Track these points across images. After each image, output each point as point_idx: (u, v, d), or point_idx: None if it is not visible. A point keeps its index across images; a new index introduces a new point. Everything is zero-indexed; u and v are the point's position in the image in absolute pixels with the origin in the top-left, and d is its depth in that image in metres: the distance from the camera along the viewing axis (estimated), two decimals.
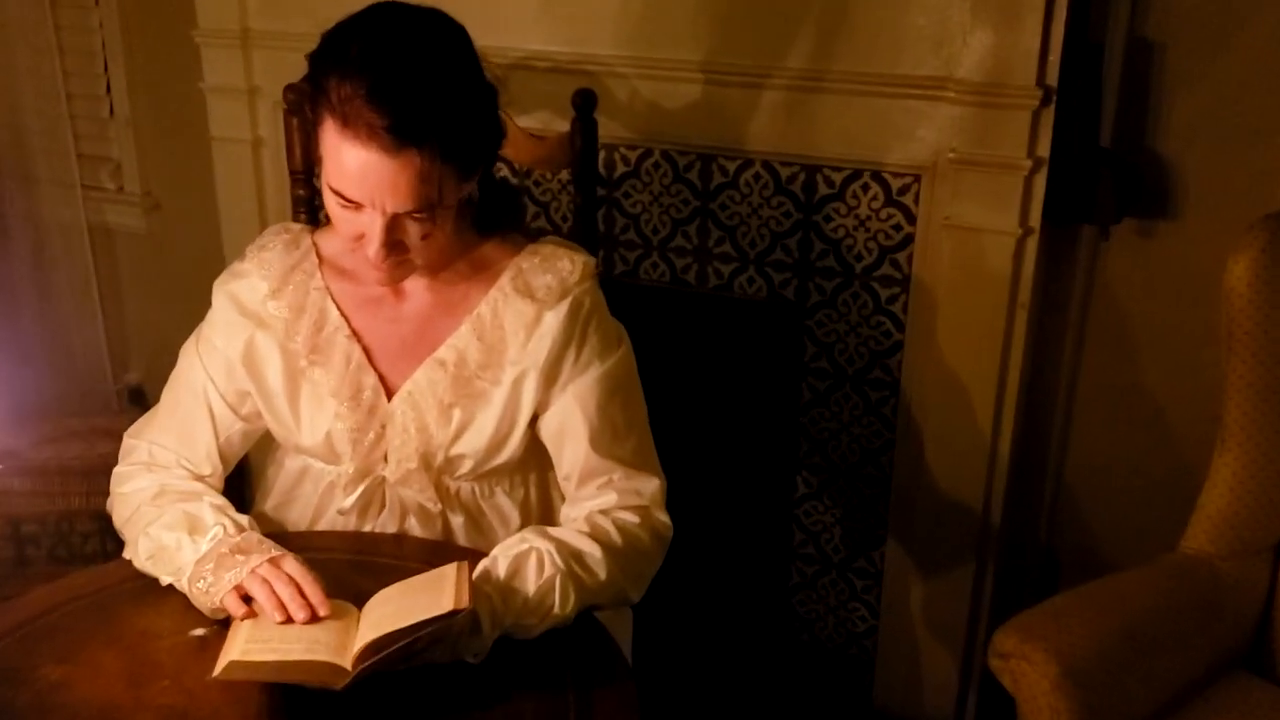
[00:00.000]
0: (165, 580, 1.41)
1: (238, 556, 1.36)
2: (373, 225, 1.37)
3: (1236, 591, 1.79)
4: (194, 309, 1.60)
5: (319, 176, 1.41)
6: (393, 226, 1.38)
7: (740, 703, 2.47)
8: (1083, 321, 2.09)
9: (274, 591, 1.32)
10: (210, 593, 1.34)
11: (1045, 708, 1.60)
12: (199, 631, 1.35)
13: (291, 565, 1.35)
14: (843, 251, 2.10)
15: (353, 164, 1.33)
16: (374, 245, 1.38)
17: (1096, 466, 2.15)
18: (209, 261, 2.70)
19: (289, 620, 1.30)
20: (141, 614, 1.38)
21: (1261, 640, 1.82)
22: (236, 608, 1.32)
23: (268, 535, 1.48)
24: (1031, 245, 1.95)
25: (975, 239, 1.97)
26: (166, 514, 1.44)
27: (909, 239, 2.05)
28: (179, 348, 1.60)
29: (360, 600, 1.35)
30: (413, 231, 1.39)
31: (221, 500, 1.49)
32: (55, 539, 2.51)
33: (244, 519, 1.45)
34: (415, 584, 1.32)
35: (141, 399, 3.05)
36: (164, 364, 1.61)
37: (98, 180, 2.91)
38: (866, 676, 2.36)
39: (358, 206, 1.37)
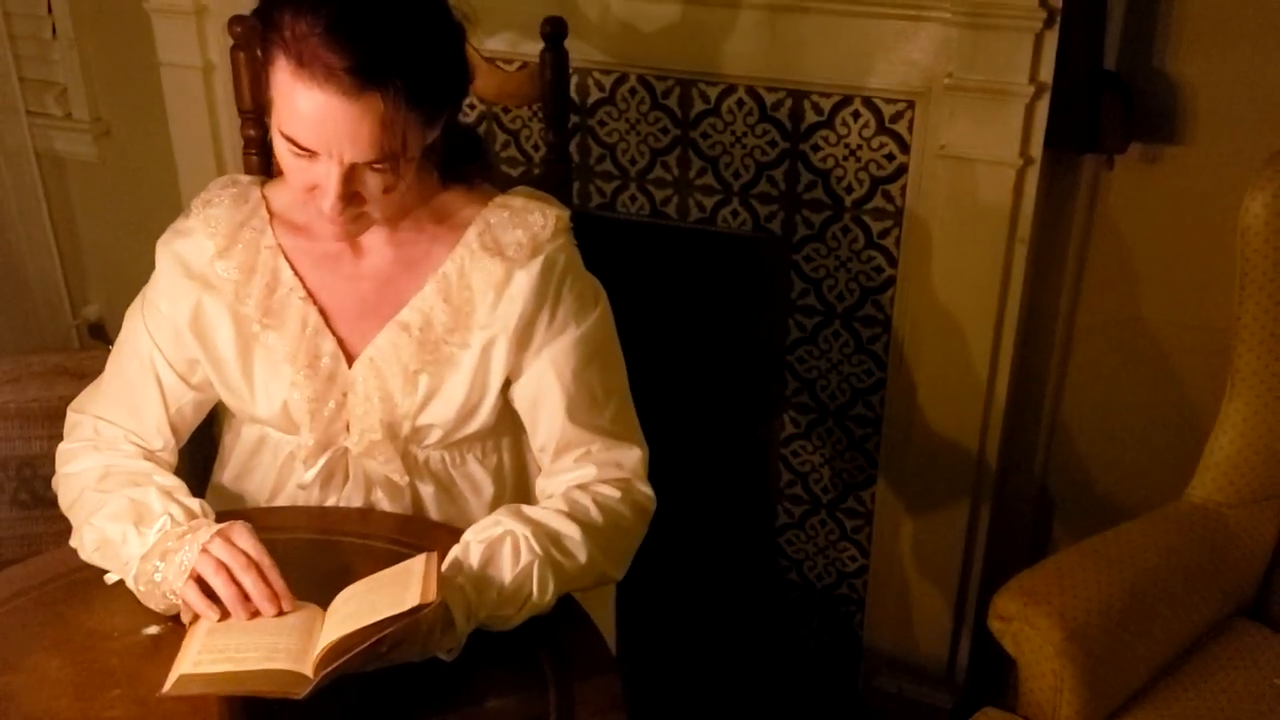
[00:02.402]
0: (111, 578, 1.32)
1: (185, 538, 1.26)
2: (329, 176, 1.25)
3: (1243, 541, 1.72)
4: (151, 239, 1.47)
5: (271, 118, 1.28)
6: (350, 178, 1.26)
7: (727, 642, 2.42)
8: (1083, 254, 1.98)
9: (233, 577, 1.23)
10: (164, 583, 1.25)
11: (1049, 673, 1.54)
12: (152, 629, 1.26)
13: (243, 537, 1.26)
14: (832, 182, 1.98)
15: (308, 109, 1.21)
16: (329, 198, 1.26)
17: (1094, 404, 2.07)
18: (165, 190, 2.57)
19: (255, 614, 1.22)
20: (90, 611, 1.29)
21: (1266, 589, 1.76)
22: (199, 602, 1.22)
23: (225, 513, 1.40)
24: (1032, 176, 1.83)
25: (972, 169, 1.85)
26: (111, 502, 1.34)
27: (902, 169, 1.93)
28: (137, 280, 1.48)
29: (324, 586, 1.27)
30: (372, 183, 1.28)
31: (172, 481, 1.39)
32: (18, 484, 2.42)
33: (196, 504, 1.35)
34: (382, 579, 1.23)
35: (102, 334, 2.93)
36: (123, 297, 1.50)
37: (43, 106, 2.75)
38: (857, 616, 2.31)
39: (312, 155, 1.25)
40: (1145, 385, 2.01)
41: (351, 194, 1.27)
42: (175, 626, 1.26)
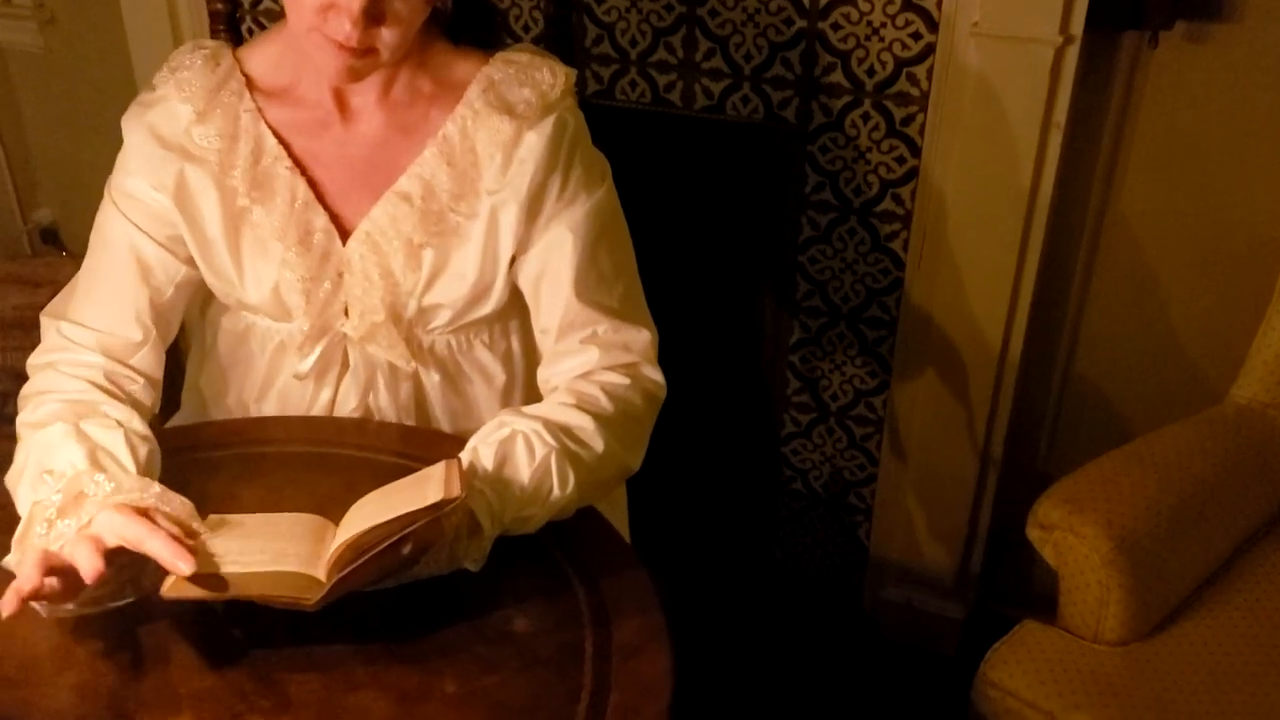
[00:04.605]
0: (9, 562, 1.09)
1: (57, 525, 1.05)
2: None
3: None
4: (106, 137, 1.34)
5: None
6: None
7: (729, 554, 2.34)
8: (1117, 141, 1.86)
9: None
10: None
11: (1094, 584, 1.46)
12: (9, 560, 1.07)
13: (127, 526, 1.03)
14: (852, 65, 1.83)
15: None
16: (352, 14, 1.13)
17: (1124, 301, 1.96)
18: (119, 83, 2.38)
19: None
20: None
21: None
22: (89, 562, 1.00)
23: (198, 424, 1.28)
24: (1071, 55, 1.69)
25: (1007, 49, 1.71)
26: (18, 455, 1.16)
27: (929, 49, 1.78)
28: (92, 181, 1.35)
29: (325, 504, 1.15)
30: (399, 5, 1.15)
31: (120, 413, 1.20)
32: None
33: (123, 450, 1.15)
34: (398, 486, 1.11)
35: (55, 240, 2.75)
36: (77, 200, 1.37)
37: None
38: (863, 527, 2.22)
39: None
40: (1179, 283, 1.91)
41: (374, 14, 1.15)
42: None
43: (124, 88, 2.32)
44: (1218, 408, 1.66)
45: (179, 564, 1.00)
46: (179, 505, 1.08)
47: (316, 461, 1.27)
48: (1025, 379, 2.01)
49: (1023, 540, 1.56)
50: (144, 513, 1.05)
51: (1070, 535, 1.47)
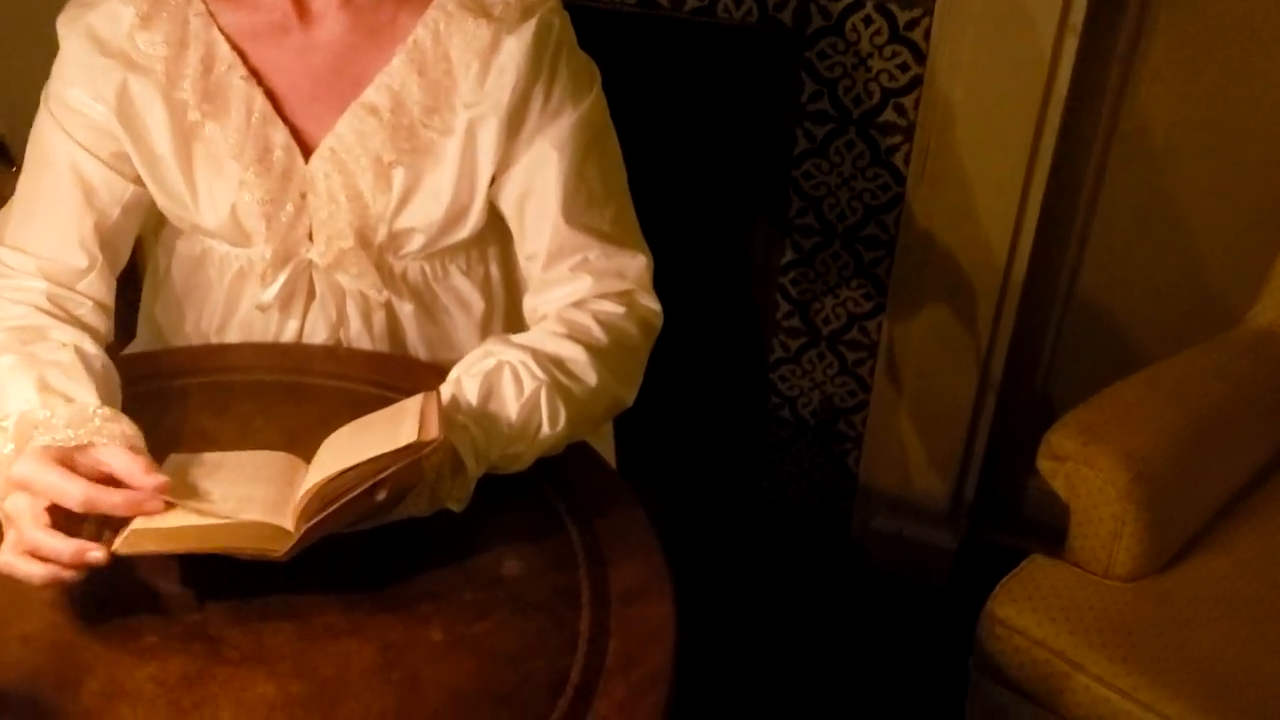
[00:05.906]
0: None
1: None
2: None
3: None
4: (47, 37, 1.20)
5: None
6: None
7: (712, 484, 2.27)
8: (1134, 47, 1.76)
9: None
10: None
11: (1108, 517, 1.39)
12: None
13: (52, 483, 0.93)
14: None
15: None
16: None
17: (1133, 219, 1.88)
18: None
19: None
20: None
21: None
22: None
23: (159, 351, 1.18)
24: None
25: None
26: None
27: None
28: (39, 90, 1.21)
29: (296, 438, 1.06)
30: None
31: (68, 335, 1.11)
32: None
33: (82, 382, 1.05)
34: (372, 420, 1.02)
35: (4, 154, 2.60)
36: (26, 111, 1.24)
37: None
38: (853, 455, 2.15)
39: None
40: (1193, 200, 1.83)
41: None
42: None
43: None
44: (1234, 332, 1.59)
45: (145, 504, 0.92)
46: (120, 432, 0.98)
47: (288, 391, 1.17)
48: (1026, 299, 1.93)
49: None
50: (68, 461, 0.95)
51: (1085, 467, 1.40)
